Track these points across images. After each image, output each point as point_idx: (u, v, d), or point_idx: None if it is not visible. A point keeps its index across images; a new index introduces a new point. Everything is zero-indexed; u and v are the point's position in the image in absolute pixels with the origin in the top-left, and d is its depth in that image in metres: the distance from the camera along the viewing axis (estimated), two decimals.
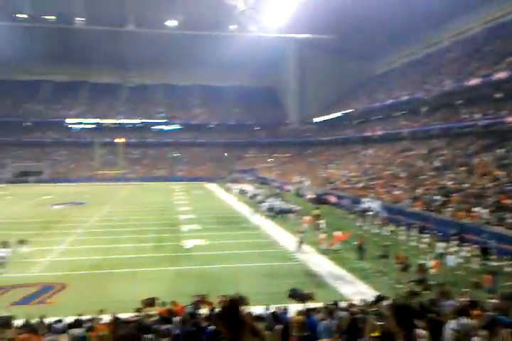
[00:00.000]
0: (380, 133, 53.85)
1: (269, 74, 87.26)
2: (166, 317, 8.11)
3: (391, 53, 69.63)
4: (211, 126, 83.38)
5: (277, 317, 7.65)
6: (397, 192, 31.47)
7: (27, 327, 8.73)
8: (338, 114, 68.92)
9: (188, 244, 23.25)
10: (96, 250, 21.85)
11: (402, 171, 37.00)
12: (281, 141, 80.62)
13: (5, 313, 10.59)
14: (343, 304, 11.24)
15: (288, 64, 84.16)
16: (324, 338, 6.22)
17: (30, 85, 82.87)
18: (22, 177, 66.95)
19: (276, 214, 32.02)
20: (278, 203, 35.44)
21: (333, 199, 38.40)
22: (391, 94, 56.25)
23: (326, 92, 76.67)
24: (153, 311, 9.75)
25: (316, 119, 76.94)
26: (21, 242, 19.86)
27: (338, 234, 22.29)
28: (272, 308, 10.55)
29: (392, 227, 25.29)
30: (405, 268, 16.21)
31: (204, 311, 9.55)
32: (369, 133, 56.52)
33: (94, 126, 79.48)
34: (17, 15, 67.14)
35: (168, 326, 6.91)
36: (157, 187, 59.14)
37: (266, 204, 34.88)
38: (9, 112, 77.04)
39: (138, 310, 10.30)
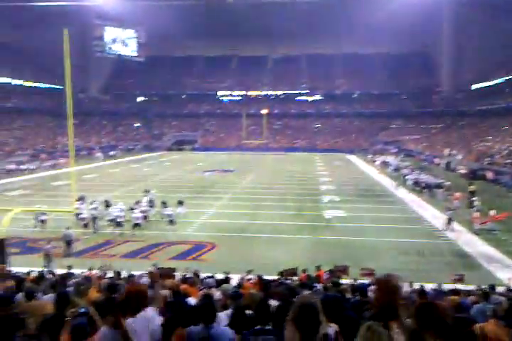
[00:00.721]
0: None
1: (420, 38, 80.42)
2: (305, 283, 8.35)
3: None
4: (354, 95, 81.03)
5: (423, 294, 7.26)
6: None
7: (185, 280, 9.82)
8: (500, 80, 60.99)
9: (328, 214, 23.41)
10: (242, 215, 23.33)
11: None
12: (430, 111, 74.62)
13: (165, 266, 12.06)
14: (500, 289, 10.28)
15: (442, 25, 76.41)
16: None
17: (187, 60, 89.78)
18: (178, 145, 74.06)
19: (423, 189, 30.20)
20: (425, 177, 33.35)
21: (490, 174, 34.70)
22: None
23: (485, 56, 68.02)
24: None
25: (473, 86, 69.22)
26: (180, 203, 22.04)
27: (493, 213, 20.20)
28: (416, 286, 10.12)
29: None
30: None
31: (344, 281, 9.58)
32: None
33: (241, 97, 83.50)
34: None
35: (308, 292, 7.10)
36: (298, 157, 60.22)
37: (411, 178, 33.11)
38: (169, 86, 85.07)
39: (281, 274, 10.76)
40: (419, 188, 30.62)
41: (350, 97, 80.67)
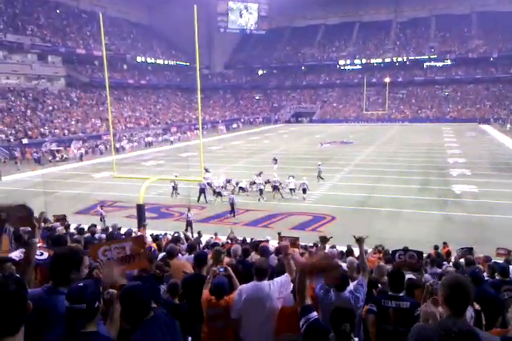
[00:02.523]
0: None
1: None
2: (434, 260, 7.97)
3: None
4: (491, 58, 72.25)
5: None
6: None
7: (305, 249, 10.03)
8: None
9: (458, 189, 21.81)
10: (362, 187, 22.86)
11: None
12: None
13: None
14: None
15: None
16: None
17: (307, 30, 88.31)
18: (297, 117, 74.26)
19: None
20: None
21: None
22: None
23: None
24: None
25: None
26: (291, 177, 22.31)
27: None
28: None
29: None
30: None
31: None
32: None
33: (362, 66, 79.83)
34: None
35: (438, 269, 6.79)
36: (424, 128, 56.47)
37: None
38: (288, 58, 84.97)
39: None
40: None
41: (486, 61, 72.07)
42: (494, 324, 3.44)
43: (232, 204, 18.50)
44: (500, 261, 9.31)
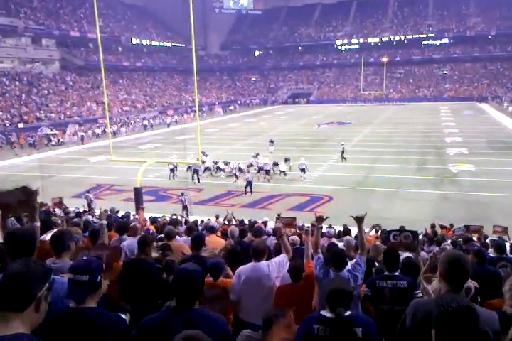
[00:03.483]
0: None
1: None
2: (432, 238, 8.05)
3: None
4: (489, 36, 71.29)
5: None
6: None
7: (302, 229, 10.11)
8: None
9: (455, 168, 21.88)
10: (359, 168, 22.89)
11: None
12: None
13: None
14: None
15: None
16: None
17: (303, 10, 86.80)
18: (294, 98, 73.72)
19: None
20: None
21: None
22: None
23: None
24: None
25: None
26: (286, 160, 22.34)
27: None
28: None
29: None
30: None
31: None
32: None
33: (359, 46, 78.79)
34: None
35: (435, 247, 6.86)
36: (421, 107, 56.19)
37: None
38: (285, 38, 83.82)
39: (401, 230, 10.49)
40: None
41: (484, 39, 71.14)
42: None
43: (250, 183, 18.85)
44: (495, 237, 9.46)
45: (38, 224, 3.25)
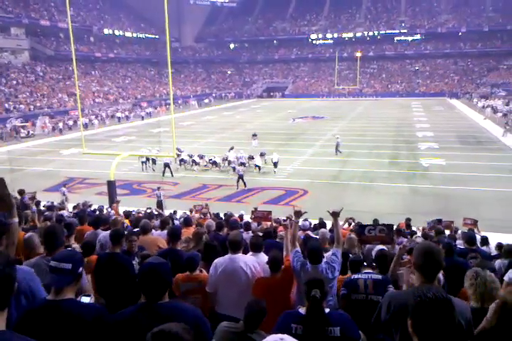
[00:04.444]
0: None
1: None
2: (401, 230, 8.24)
3: None
4: (460, 33, 72.70)
5: None
6: None
7: (278, 223, 10.20)
8: None
9: (426, 162, 22.37)
10: (333, 162, 23.15)
11: None
12: None
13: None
14: None
15: None
16: None
17: (278, 2, 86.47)
18: (269, 92, 73.68)
19: None
20: None
21: None
22: None
23: None
24: None
25: None
26: (261, 155, 22.42)
27: None
28: None
29: None
30: None
31: None
32: None
33: (334, 40, 79.24)
34: None
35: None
36: (394, 102, 57.12)
37: None
38: (260, 31, 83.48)
39: (375, 221, 10.69)
40: None
41: (455, 35, 72.56)
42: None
43: (241, 177, 18.80)
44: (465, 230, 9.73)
45: (17, 219, 3.17)
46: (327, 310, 2.72)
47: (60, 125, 37.57)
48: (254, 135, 27.35)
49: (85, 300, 2.52)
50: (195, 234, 4.80)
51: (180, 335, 1.65)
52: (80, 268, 2.45)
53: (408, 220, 10.87)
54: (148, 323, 1.90)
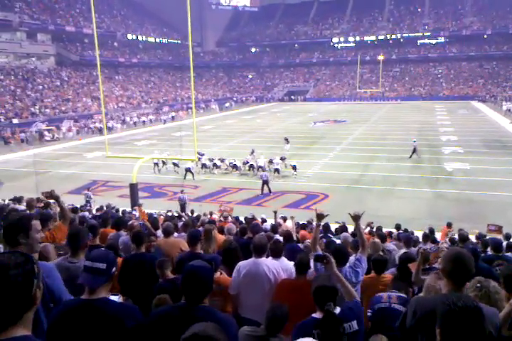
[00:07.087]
0: None
1: None
2: (427, 236, 8.09)
3: None
4: (485, 36, 71.39)
5: None
6: None
7: (299, 226, 10.15)
8: None
9: (450, 166, 21.97)
10: (355, 166, 22.92)
11: None
12: None
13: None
14: None
15: None
16: None
17: (300, 7, 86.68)
18: (290, 96, 73.63)
19: None
20: None
21: None
22: None
23: None
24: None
25: None
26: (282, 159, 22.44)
27: None
28: None
29: None
30: None
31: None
32: None
33: (356, 44, 78.68)
34: None
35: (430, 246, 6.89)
36: (417, 106, 56.32)
37: None
38: (281, 35, 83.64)
39: (397, 227, 10.54)
40: None
41: (480, 38, 71.32)
42: None
43: (265, 182, 18.45)
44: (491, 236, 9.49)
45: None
46: (337, 310, 2.69)
47: (84, 128, 38.28)
48: (286, 139, 27.05)
49: (114, 298, 2.56)
50: (204, 231, 4.82)
51: (216, 338, 1.66)
52: (114, 268, 2.48)
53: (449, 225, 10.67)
54: (182, 324, 1.91)
